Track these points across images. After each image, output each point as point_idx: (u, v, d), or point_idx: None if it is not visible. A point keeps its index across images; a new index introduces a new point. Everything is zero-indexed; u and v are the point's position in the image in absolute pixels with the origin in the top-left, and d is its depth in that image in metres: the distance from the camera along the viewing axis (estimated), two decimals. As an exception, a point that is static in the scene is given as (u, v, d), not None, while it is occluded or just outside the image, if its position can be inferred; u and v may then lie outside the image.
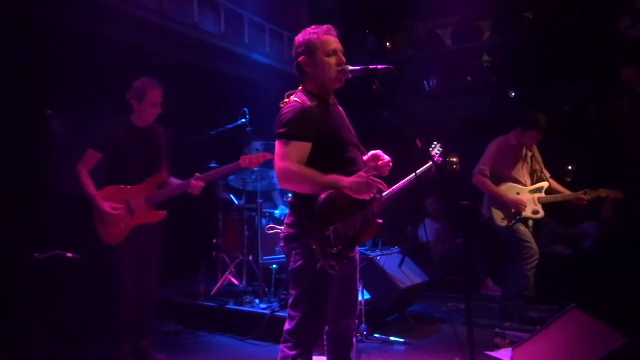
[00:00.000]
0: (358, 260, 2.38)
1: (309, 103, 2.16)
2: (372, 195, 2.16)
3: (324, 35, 2.22)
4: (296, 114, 2.11)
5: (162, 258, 3.60)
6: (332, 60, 2.20)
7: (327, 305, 2.16)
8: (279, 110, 2.20)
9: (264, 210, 4.99)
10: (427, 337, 4.21)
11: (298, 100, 2.16)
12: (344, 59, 2.23)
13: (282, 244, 2.26)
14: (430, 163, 2.58)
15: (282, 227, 2.28)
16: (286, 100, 2.21)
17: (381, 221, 2.25)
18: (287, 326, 2.18)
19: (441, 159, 2.83)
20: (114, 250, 3.36)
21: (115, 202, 3.35)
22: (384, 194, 2.30)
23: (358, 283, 2.40)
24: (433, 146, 2.93)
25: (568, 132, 6.28)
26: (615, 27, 6.03)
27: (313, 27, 2.26)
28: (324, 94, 2.26)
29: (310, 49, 2.21)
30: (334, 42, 2.23)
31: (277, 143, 2.12)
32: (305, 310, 2.13)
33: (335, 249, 2.03)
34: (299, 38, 2.26)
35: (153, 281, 3.55)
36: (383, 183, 2.21)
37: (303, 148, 2.10)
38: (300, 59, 2.23)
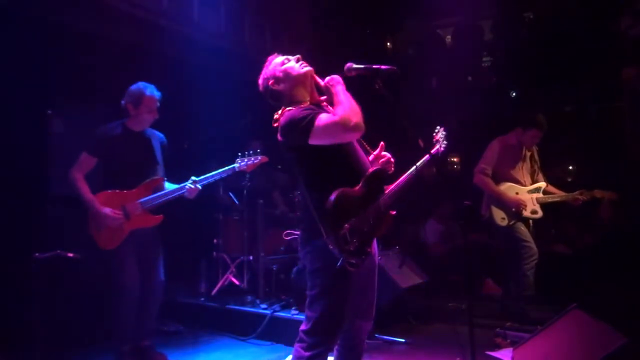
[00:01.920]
0: (377, 260, 2.37)
1: None
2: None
3: (272, 62, 2.35)
4: (299, 111, 2.13)
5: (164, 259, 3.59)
6: (291, 63, 2.31)
7: (344, 306, 2.15)
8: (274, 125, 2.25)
9: (264, 210, 4.98)
10: (427, 337, 4.20)
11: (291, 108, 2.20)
12: (296, 56, 2.33)
13: (298, 247, 2.30)
14: (427, 156, 2.53)
15: (298, 232, 2.32)
16: (276, 116, 2.25)
17: (394, 212, 2.24)
18: (303, 326, 2.18)
19: (445, 144, 2.66)
20: (113, 253, 3.34)
21: (112, 206, 3.31)
22: (386, 191, 2.30)
23: (376, 284, 2.37)
24: (436, 130, 2.73)
25: (568, 132, 6.28)
26: (615, 27, 6.03)
27: (263, 69, 2.38)
28: (308, 96, 2.29)
29: (270, 75, 2.31)
30: (281, 57, 2.35)
31: (310, 140, 2.07)
32: (322, 310, 2.12)
33: (352, 246, 2.04)
34: (260, 82, 2.36)
35: (157, 283, 3.51)
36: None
37: (324, 113, 2.13)
38: (269, 83, 2.31)
